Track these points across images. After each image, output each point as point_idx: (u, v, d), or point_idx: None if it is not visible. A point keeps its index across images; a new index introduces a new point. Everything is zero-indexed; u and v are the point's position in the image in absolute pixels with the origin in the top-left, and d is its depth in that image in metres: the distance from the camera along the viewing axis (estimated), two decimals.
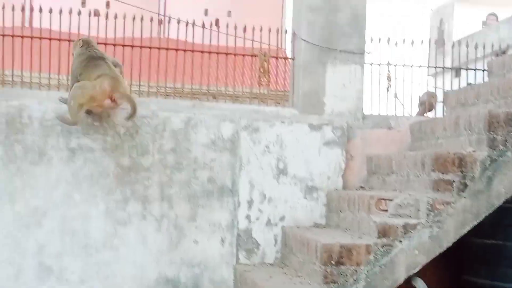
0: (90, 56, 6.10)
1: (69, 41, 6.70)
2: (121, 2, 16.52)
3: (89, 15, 6.81)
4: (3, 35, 6.69)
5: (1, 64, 6.76)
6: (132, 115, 6.06)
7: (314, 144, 6.67)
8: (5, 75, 7.20)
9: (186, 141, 6.47)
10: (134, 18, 6.77)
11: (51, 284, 6.17)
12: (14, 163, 6.18)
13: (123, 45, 6.81)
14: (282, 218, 6.59)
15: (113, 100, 5.96)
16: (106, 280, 6.25)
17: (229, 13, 18.02)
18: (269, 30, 7.00)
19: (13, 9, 6.79)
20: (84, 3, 17.52)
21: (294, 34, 7.06)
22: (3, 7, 6.64)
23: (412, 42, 7.40)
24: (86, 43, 6.24)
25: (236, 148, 6.55)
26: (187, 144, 6.47)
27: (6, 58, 6.80)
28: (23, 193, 6.17)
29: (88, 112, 6.15)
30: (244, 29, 6.84)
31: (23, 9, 7.18)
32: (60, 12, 6.66)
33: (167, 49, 6.91)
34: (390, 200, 5.38)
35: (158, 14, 16.31)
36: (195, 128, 6.49)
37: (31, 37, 6.82)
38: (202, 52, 6.93)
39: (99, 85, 5.88)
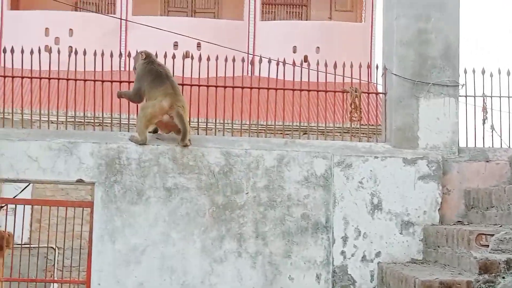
0: (157, 74, 6.50)
1: None
2: (211, 43, 16.93)
3: (183, 58, 7.02)
4: (102, 81, 6.96)
5: (101, 108, 7.02)
6: (183, 138, 6.38)
7: (409, 178, 6.59)
8: (104, 118, 7.48)
9: (279, 178, 6.52)
10: (226, 60, 6.90)
11: None
12: (114, 203, 6.40)
13: (216, 86, 6.95)
14: (378, 254, 6.51)
15: (170, 117, 6.39)
16: None
17: (317, 50, 18.12)
18: (360, 66, 6.99)
19: (111, 55, 7.07)
20: (177, 45, 18.07)
21: (385, 69, 7.03)
22: (103, 54, 6.92)
23: (508, 72, 7.22)
24: (149, 56, 6.65)
25: (330, 184, 6.54)
26: (280, 181, 6.52)
27: (105, 102, 7.07)
28: (123, 232, 6.36)
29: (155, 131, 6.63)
30: (335, 66, 6.87)
31: (120, 55, 7.45)
32: (155, 55, 6.87)
33: (259, 88, 7.01)
34: (491, 235, 5.21)
35: (248, 53, 16.62)
36: (288, 166, 6.54)
37: (128, 82, 7.06)
38: (293, 90, 6.99)
39: (158, 103, 6.37)
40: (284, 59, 7.15)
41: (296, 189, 6.52)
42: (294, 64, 6.97)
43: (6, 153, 6.34)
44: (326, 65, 6.89)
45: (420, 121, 6.79)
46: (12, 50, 6.83)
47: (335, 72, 6.88)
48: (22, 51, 6.77)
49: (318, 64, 6.95)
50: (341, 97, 7.26)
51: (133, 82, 7.03)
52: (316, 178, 6.54)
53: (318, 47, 18.12)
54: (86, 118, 7.25)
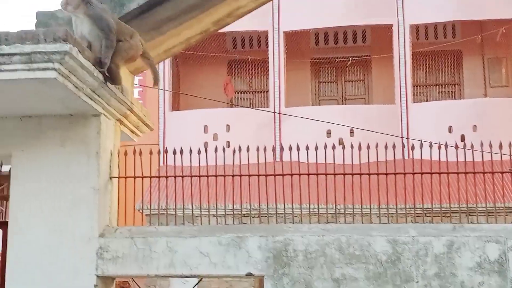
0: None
1: (316, 174, 6.97)
2: (364, 129, 16.97)
3: (343, 147, 7.08)
4: (266, 175, 7.13)
5: (265, 200, 7.19)
6: (156, 81, 6.63)
7: None
8: (268, 209, 7.65)
9: (450, 265, 6.31)
10: (386, 146, 6.90)
11: None
12: None
13: (377, 174, 6.93)
14: None
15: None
16: None
17: (474, 128, 17.66)
18: None
19: (273, 149, 7.28)
20: (330, 133, 18.29)
21: None
22: (265, 149, 7.13)
23: None
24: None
25: (505, 270, 6.23)
26: (451, 268, 6.30)
27: (268, 194, 7.25)
28: None
29: None
30: (500, 146, 6.66)
31: (273, 149, 7.61)
32: (307, 148, 6.97)
33: (421, 173, 6.91)
34: None
35: (402, 137, 16.49)
36: (458, 252, 6.32)
37: (291, 175, 7.18)
38: (458, 173, 6.82)
39: (135, 43, 6.31)
40: (446, 143, 7.05)
41: (469, 276, 6.27)
42: (456, 146, 6.83)
43: (179, 250, 6.61)
44: (490, 145, 6.69)
45: None
46: (182, 151, 7.20)
47: (501, 152, 6.66)
48: (191, 152, 7.13)
49: (482, 144, 6.77)
50: (508, 176, 6.98)
51: (287, 174, 7.09)
52: (489, 264, 6.26)
53: (475, 126, 17.67)
54: (251, 210, 7.41)
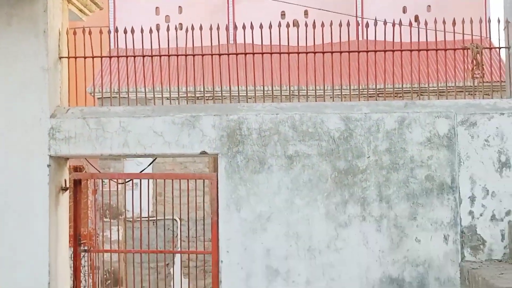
0: None
1: (270, 54, 6.93)
2: (319, 9, 16.84)
3: (287, 26, 6.99)
4: (220, 54, 7.06)
5: (219, 82, 7.16)
6: None
7: None
8: (223, 91, 7.62)
9: (401, 140, 6.45)
10: (341, 24, 6.86)
11: (278, 285, 6.43)
12: (237, 173, 6.53)
13: (331, 52, 6.91)
14: (508, 213, 6.34)
15: None
16: (331, 281, 6.39)
17: (428, 8, 17.63)
18: (480, 21, 6.76)
19: (218, 28, 7.15)
20: (284, 14, 18.08)
21: (507, 22, 6.76)
22: (210, 28, 7.00)
23: None
24: None
25: (453, 144, 6.41)
26: (402, 143, 6.45)
27: (222, 75, 7.20)
28: (247, 200, 6.49)
29: None
30: (453, 23, 6.66)
31: (227, 28, 7.48)
32: (261, 26, 6.89)
33: (375, 51, 6.93)
34: None
35: (356, 16, 16.41)
36: (409, 127, 6.44)
37: (244, 54, 7.13)
38: (411, 50, 6.85)
39: None
40: (400, 21, 7.02)
41: (419, 150, 6.43)
42: (410, 24, 6.82)
43: (133, 130, 6.60)
44: (444, 22, 6.70)
45: None
46: (133, 31, 7.03)
47: (454, 30, 6.68)
48: (142, 31, 6.98)
49: (436, 22, 6.77)
50: (459, 55, 7.04)
51: (240, 54, 7.07)
52: (439, 139, 6.42)
53: (429, 5, 17.63)
54: (205, 92, 7.36)
